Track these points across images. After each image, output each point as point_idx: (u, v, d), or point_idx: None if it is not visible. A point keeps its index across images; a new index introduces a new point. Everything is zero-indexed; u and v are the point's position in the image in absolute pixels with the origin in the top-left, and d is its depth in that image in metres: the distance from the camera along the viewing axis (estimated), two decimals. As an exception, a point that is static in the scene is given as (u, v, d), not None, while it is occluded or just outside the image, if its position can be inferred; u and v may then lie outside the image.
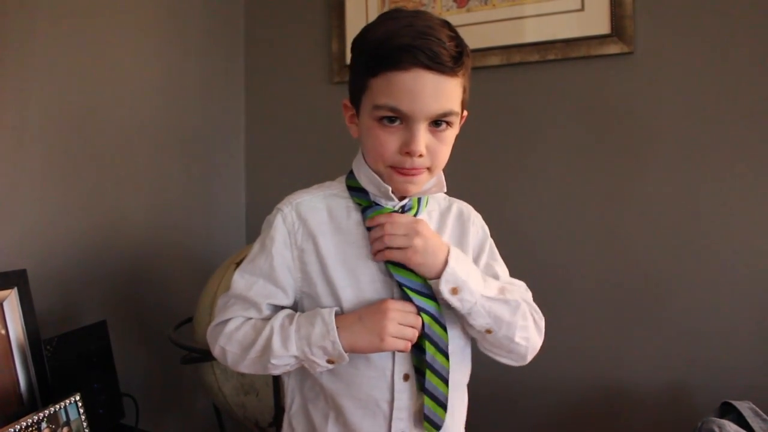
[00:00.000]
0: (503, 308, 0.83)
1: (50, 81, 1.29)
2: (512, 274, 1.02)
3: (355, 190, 0.87)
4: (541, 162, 1.51)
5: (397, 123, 0.78)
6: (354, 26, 1.72)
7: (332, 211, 0.87)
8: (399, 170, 0.80)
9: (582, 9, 1.45)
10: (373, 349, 0.79)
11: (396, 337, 0.78)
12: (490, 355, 0.89)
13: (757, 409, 1.10)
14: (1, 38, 1.19)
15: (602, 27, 1.43)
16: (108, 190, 1.43)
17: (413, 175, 0.81)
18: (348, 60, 1.73)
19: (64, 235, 1.32)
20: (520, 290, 0.92)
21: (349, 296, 0.84)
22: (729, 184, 1.33)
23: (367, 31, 0.81)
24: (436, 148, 0.79)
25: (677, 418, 1.34)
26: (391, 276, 0.82)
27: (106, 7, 1.42)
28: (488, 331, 0.83)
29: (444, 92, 0.76)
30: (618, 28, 1.41)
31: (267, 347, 0.80)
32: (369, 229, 0.84)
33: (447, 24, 0.80)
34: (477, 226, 0.95)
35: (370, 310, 0.80)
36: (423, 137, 0.78)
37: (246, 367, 0.85)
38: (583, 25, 1.45)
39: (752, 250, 1.31)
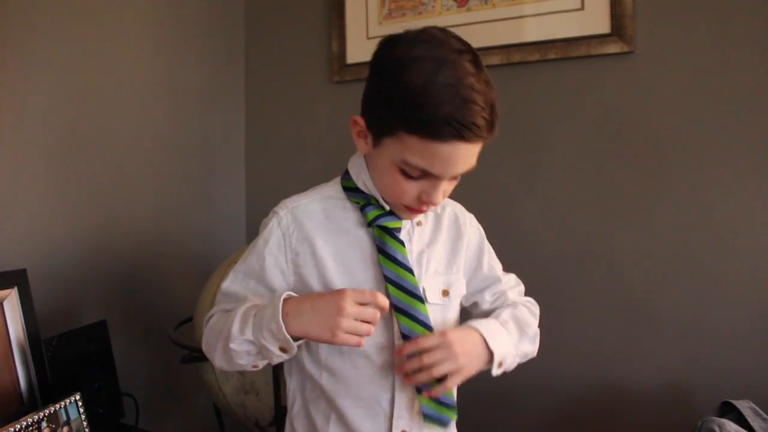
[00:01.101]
0: (527, 344, 0.92)
1: (50, 81, 1.29)
2: (511, 273, 1.03)
3: (352, 190, 0.87)
4: (541, 161, 1.51)
5: (420, 175, 0.78)
6: (354, 26, 1.72)
7: (329, 212, 0.87)
8: (410, 208, 0.82)
9: (582, 8, 1.45)
10: (324, 342, 0.77)
11: (349, 333, 0.74)
12: None
13: (757, 408, 1.10)
14: (1, 38, 1.19)
15: (602, 26, 1.43)
16: (108, 189, 1.43)
17: (422, 212, 0.84)
18: (348, 59, 1.73)
19: (64, 234, 1.32)
20: (518, 290, 0.99)
21: None
22: (728, 184, 1.33)
23: (404, 69, 0.73)
24: (447, 190, 0.82)
25: (677, 418, 1.34)
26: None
27: (106, 7, 1.42)
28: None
29: (473, 155, 0.77)
30: (618, 28, 1.41)
31: (227, 333, 0.79)
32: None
33: (482, 71, 0.75)
34: (473, 228, 0.98)
35: (324, 300, 0.75)
36: (443, 189, 0.80)
37: (218, 358, 0.83)
38: (583, 24, 1.44)
39: (752, 250, 1.31)
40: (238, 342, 0.78)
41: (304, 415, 0.89)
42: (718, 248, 1.34)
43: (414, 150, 0.74)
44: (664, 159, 1.39)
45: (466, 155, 0.75)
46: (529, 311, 0.96)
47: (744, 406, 1.10)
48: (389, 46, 0.78)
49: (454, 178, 0.80)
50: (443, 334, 0.80)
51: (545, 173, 1.51)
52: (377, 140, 0.79)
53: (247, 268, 0.86)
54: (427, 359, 0.78)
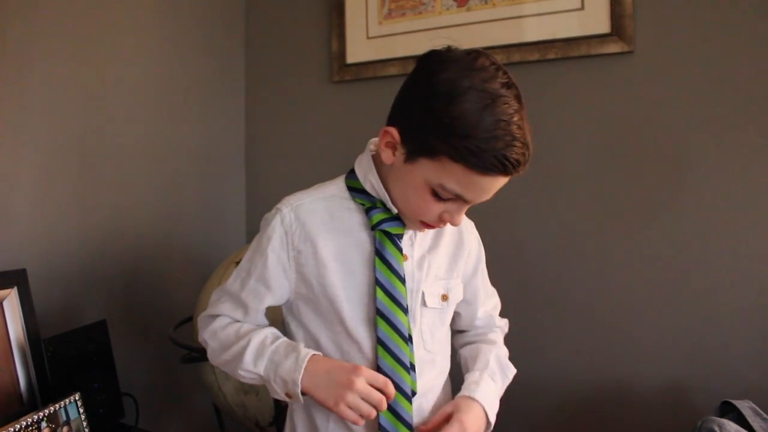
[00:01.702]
0: (506, 384, 0.97)
1: (50, 81, 1.29)
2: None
3: (357, 191, 0.87)
4: (539, 160, 1.50)
5: (451, 198, 0.78)
6: (354, 26, 1.72)
7: (333, 212, 0.87)
8: (426, 224, 0.83)
9: (582, 8, 1.44)
10: (326, 407, 0.80)
11: (350, 408, 0.77)
12: None
13: (757, 408, 1.10)
14: (1, 39, 1.19)
15: (602, 26, 1.43)
16: (108, 189, 1.43)
17: (434, 228, 0.85)
18: (348, 59, 1.73)
19: (64, 235, 1.32)
20: (498, 309, 1.05)
21: (346, 297, 0.85)
22: (728, 184, 1.33)
23: (458, 97, 0.72)
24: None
25: (677, 418, 1.34)
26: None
27: (106, 7, 1.42)
28: None
29: (502, 184, 0.79)
30: (618, 27, 1.40)
31: (239, 356, 0.83)
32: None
33: (523, 107, 0.76)
34: (473, 236, 0.99)
35: (340, 371, 0.79)
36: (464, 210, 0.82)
37: (220, 365, 0.89)
38: (583, 24, 1.44)
39: (752, 250, 1.31)
40: (248, 372, 0.83)
41: (304, 411, 0.90)
42: (718, 248, 1.34)
43: (455, 177, 0.75)
44: (663, 159, 1.39)
45: (499, 186, 0.78)
46: (500, 327, 1.05)
47: (744, 406, 1.10)
48: (439, 66, 0.76)
49: None
50: (461, 423, 0.82)
51: (543, 173, 1.51)
52: (412, 157, 0.78)
53: (250, 267, 0.87)
54: None
